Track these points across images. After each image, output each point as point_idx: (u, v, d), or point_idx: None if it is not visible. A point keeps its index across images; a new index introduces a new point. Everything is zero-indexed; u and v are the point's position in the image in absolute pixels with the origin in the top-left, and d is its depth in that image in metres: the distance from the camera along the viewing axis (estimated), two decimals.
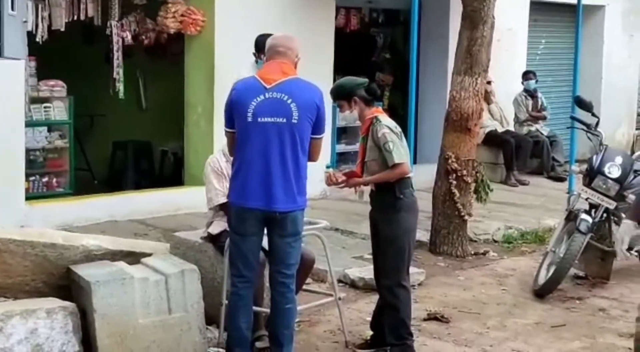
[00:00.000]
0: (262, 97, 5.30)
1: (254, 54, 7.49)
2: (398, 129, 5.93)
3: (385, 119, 5.95)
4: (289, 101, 5.28)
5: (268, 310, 5.84)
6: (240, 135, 5.41)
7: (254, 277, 5.53)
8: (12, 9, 5.55)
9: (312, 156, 5.49)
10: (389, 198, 5.87)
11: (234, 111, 5.41)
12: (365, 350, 6.21)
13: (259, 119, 5.28)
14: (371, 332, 6.28)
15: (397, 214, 5.88)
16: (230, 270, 5.69)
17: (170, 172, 12.27)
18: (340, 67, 12.29)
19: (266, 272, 5.76)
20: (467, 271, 8.43)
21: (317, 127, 5.42)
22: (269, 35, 6.80)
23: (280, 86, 5.31)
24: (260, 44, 6.95)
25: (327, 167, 6.13)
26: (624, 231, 5.43)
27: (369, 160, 5.93)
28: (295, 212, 5.37)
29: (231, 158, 6.22)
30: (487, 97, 11.96)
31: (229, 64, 10.33)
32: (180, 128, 11.09)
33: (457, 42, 9.15)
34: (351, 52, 13.05)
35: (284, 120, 5.27)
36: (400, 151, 5.80)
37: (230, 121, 5.51)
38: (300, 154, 5.33)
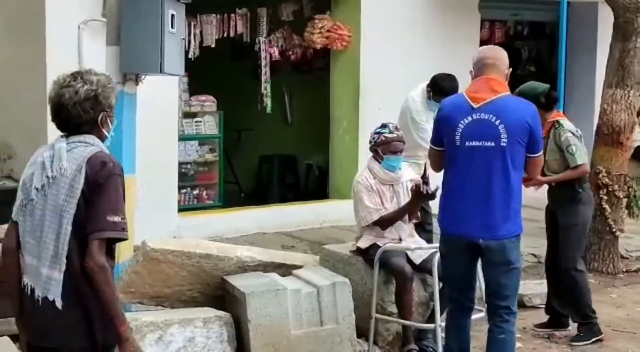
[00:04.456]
0: (469, 118, 4.91)
1: (428, 90, 7.47)
2: (579, 132, 6.50)
3: (567, 123, 6.50)
4: (497, 123, 4.85)
5: (416, 324, 5.89)
6: (449, 157, 5.09)
7: (466, 300, 5.24)
8: (172, 26, 5.73)
9: (530, 173, 5.23)
10: (569, 192, 6.47)
11: (443, 131, 5.08)
12: (544, 329, 6.77)
13: (467, 143, 4.92)
14: None
15: (576, 206, 6.48)
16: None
17: (315, 185, 12.41)
18: None
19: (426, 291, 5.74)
20: (620, 289, 8.20)
21: (533, 147, 4.98)
22: (451, 79, 7.04)
23: (488, 106, 4.89)
24: (437, 86, 7.30)
25: None
26: None
27: (550, 159, 6.42)
28: (502, 241, 4.94)
29: (378, 175, 6.31)
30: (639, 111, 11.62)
31: (375, 78, 10.43)
32: (325, 142, 11.22)
33: (607, 54, 8.94)
34: None
35: (493, 144, 4.86)
36: (582, 153, 6.40)
37: (437, 138, 5.18)
38: (512, 178, 4.91)
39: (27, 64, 8.62)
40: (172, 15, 5.72)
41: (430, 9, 11.02)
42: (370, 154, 6.47)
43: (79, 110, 3.40)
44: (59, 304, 3.33)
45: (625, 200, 8.83)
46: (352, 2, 10.63)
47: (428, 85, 7.53)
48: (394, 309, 6.16)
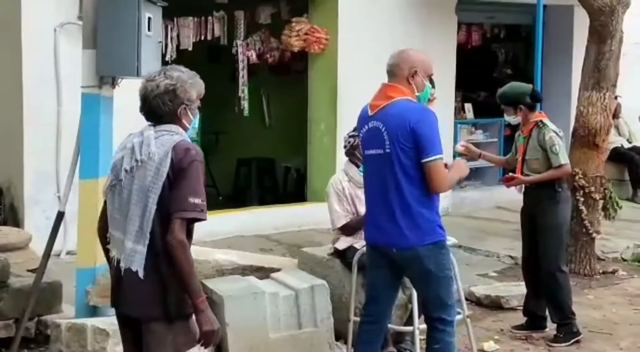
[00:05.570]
0: (366, 126, 4.91)
1: None
2: (561, 133, 6.61)
3: (550, 123, 6.59)
4: (383, 129, 4.78)
5: (395, 327, 5.88)
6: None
7: (377, 312, 5.12)
8: (149, 29, 5.70)
9: (430, 185, 4.72)
10: (548, 192, 6.54)
11: None
12: (521, 331, 6.79)
13: (366, 151, 4.96)
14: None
15: (556, 205, 6.54)
16: None
17: (293, 188, 12.41)
18: (462, 83, 12.25)
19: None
20: (596, 290, 8.24)
21: (421, 151, 4.68)
22: None
23: (379, 113, 4.83)
24: None
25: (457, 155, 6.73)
26: None
27: (530, 158, 6.58)
28: (415, 250, 4.76)
29: (354, 178, 6.31)
30: (615, 113, 11.69)
31: (352, 81, 10.44)
32: (303, 145, 11.22)
33: (583, 57, 8.99)
34: (472, 68, 12.98)
35: (381, 151, 4.79)
36: (564, 153, 6.52)
37: None
38: (407, 185, 4.72)
39: (3, 67, 8.58)
40: (149, 18, 5.69)
41: (407, 11, 11.06)
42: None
43: (159, 102, 3.77)
44: (141, 274, 3.67)
45: (601, 202, 8.88)
46: (329, 5, 10.64)
47: None
48: None
